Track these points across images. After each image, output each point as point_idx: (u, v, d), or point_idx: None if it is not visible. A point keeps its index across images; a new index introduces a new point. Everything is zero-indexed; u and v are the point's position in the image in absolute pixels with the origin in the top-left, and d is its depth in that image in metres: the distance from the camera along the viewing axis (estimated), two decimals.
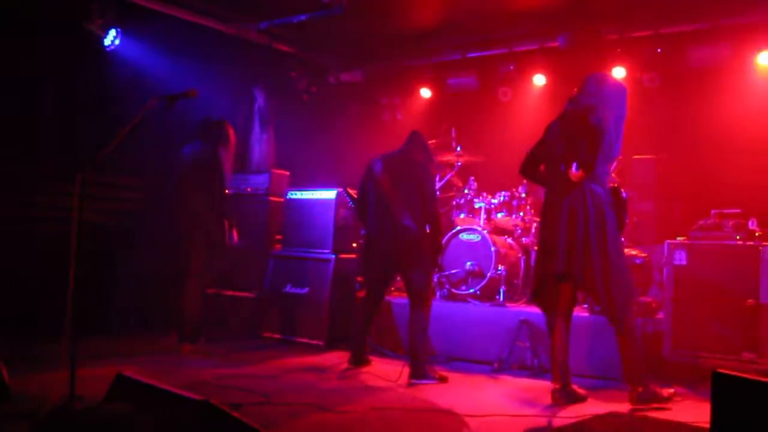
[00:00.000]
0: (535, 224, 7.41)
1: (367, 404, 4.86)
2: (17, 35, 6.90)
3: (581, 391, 5.09)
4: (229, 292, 7.68)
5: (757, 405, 2.33)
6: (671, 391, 4.97)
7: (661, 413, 4.71)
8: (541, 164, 5.32)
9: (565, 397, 4.98)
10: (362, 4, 7.18)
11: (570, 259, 4.89)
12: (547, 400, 5.06)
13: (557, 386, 5.01)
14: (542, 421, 4.62)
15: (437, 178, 7.66)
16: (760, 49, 7.06)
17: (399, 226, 5.64)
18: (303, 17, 7.65)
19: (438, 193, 7.24)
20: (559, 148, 5.08)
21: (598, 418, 4.57)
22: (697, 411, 4.70)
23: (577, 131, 4.96)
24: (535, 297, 5.27)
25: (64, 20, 6.84)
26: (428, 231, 5.80)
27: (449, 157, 7.85)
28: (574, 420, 4.53)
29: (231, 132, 6.66)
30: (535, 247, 6.39)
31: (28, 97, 7.16)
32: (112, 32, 6.84)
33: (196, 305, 6.40)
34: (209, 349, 6.41)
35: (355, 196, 6.50)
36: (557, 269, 4.96)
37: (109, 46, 6.91)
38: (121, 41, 6.92)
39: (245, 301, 7.65)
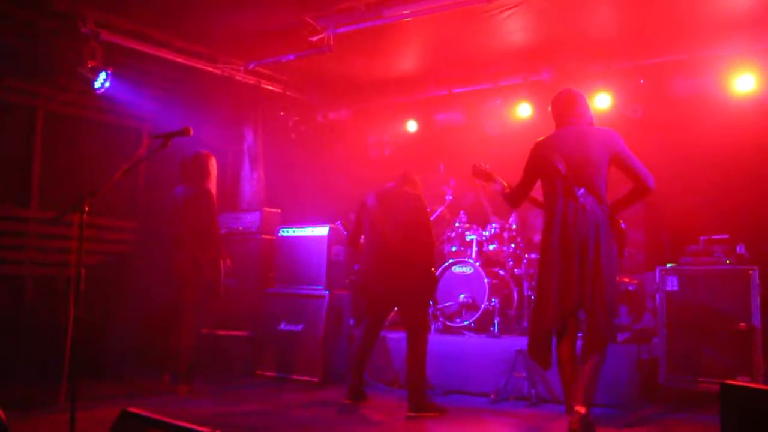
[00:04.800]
0: (527, 255, 7.46)
1: None
2: (13, 77, 7.01)
3: None
4: (223, 332, 7.63)
5: (766, 415, 2.37)
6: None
7: None
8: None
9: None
10: (349, 44, 7.29)
11: (583, 290, 4.58)
12: (547, 428, 5.07)
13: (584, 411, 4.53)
14: None
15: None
16: (735, 77, 7.27)
17: (395, 259, 5.66)
18: (291, 57, 7.76)
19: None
20: (566, 167, 4.78)
21: None
22: None
23: (599, 151, 4.81)
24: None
25: (57, 62, 6.93)
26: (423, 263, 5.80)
27: (439, 191, 7.92)
28: None
29: (211, 162, 6.63)
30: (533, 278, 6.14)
31: (22, 138, 7.22)
32: (102, 74, 6.89)
33: (190, 345, 6.33)
34: (205, 389, 6.35)
35: (349, 227, 6.49)
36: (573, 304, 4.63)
37: (99, 88, 6.96)
38: (111, 83, 6.97)
39: (240, 340, 7.60)
